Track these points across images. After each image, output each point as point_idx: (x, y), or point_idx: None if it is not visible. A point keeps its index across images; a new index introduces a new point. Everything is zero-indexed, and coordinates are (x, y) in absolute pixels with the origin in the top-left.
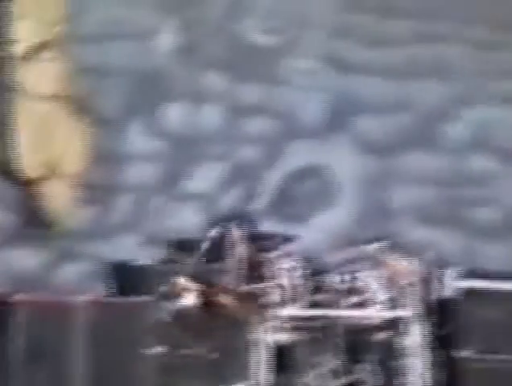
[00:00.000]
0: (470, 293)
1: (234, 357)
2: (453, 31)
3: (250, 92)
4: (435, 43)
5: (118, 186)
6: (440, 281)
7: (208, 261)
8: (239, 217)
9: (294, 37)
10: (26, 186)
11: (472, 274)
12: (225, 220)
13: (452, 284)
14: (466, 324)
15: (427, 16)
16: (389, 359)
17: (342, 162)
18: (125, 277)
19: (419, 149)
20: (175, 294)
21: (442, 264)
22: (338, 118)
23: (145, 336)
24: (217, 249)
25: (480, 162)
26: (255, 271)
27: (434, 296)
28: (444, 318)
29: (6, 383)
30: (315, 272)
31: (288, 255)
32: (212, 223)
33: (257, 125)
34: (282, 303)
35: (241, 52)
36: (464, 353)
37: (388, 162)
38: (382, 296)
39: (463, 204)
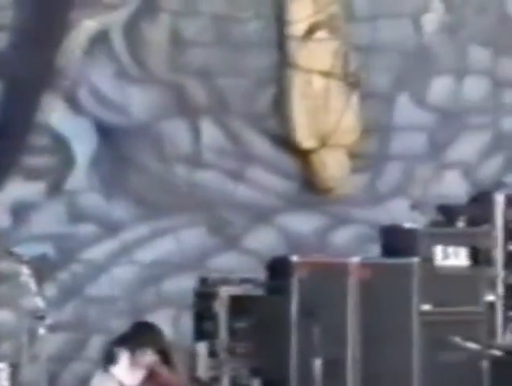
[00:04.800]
0: None
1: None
2: None
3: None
4: None
5: (388, 155)
6: None
7: (472, 225)
8: (502, 182)
9: None
10: (303, 156)
11: None
12: (488, 186)
13: None
14: None
15: None
16: None
17: None
18: (395, 240)
19: None
20: None
21: None
22: None
23: (412, 294)
24: (481, 213)
25: None
26: None
27: None
28: None
29: (286, 337)
30: None
31: None
32: (476, 189)
33: None
34: None
35: (503, 28)
36: None
37: None
38: None
39: None
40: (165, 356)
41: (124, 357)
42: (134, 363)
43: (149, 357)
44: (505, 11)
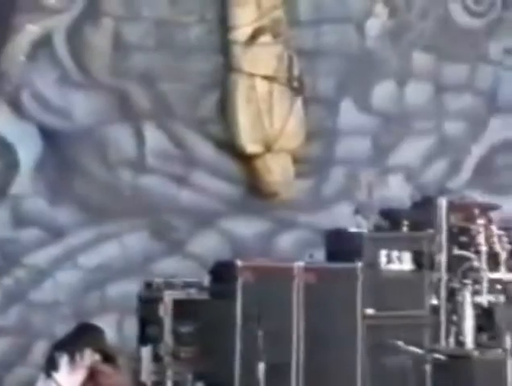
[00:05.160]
0: None
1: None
2: None
3: (455, 71)
4: None
5: (332, 159)
6: None
7: (415, 229)
8: (445, 187)
9: (498, 18)
10: (247, 160)
11: None
12: (431, 191)
13: None
14: None
15: None
16: None
17: None
18: (340, 244)
19: None
20: None
21: None
22: None
23: (356, 299)
24: (425, 218)
25: None
26: (461, 238)
27: None
28: None
29: (230, 341)
30: None
31: (492, 223)
32: (419, 194)
33: (461, 102)
34: (487, 268)
35: (447, 34)
36: None
37: None
38: None
39: None
40: (107, 355)
41: (64, 361)
42: (74, 366)
43: (89, 357)
44: (449, 16)
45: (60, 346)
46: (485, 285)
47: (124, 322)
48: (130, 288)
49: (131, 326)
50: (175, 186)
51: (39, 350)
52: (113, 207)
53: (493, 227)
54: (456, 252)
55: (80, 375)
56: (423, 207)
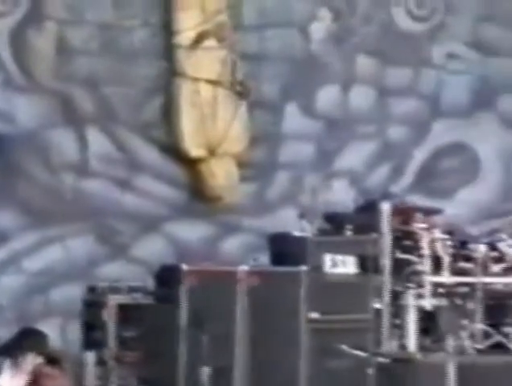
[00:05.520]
0: None
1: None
2: None
3: (398, 75)
4: None
5: (276, 163)
6: None
7: (359, 233)
8: (388, 191)
9: (440, 23)
10: (191, 165)
11: None
12: (374, 195)
13: None
14: None
15: None
16: None
17: (486, 139)
18: (284, 248)
19: None
20: None
21: None
22: (482, 98)
23: (300, 302)
24: (369, 222)
25: None
26: (404, 242)
27: None
28: None
29: (175, 345)
30: (460, 242)
31: (435, 226)
32: (363, 198)
33: (404, 106)
34: (430, 271)
35: (390, 38)
36: None
37: None
38: None
39: None
40: (50, 358)
41: (6, 365)
42: (16, 370)
43: (32, 361)
44: (392, 21)
45: (3, 350)
46: (428, 288)
47: (67, 327)
48: (74, 292)
49: (75, 331)
50: (118, 190)
51: None
52: (56, 211)
53: (436, 231)
54: (400, 255)
55: (23, 379)
56: (367, 211)
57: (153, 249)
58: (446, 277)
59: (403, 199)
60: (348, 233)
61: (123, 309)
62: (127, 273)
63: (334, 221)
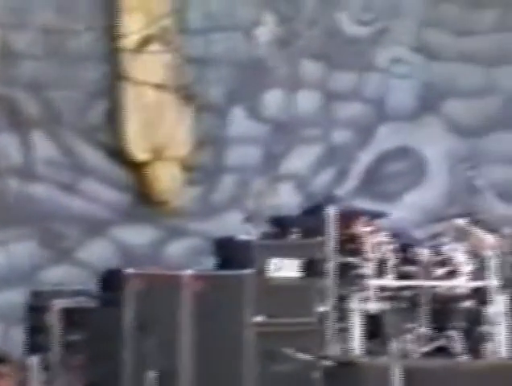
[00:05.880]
0: None
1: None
2: None
3: (343, 79)
4: None
5: (222, 167)
6: None
7: (305, 237)
8: (333, 195)
9: (385, 27)
10: (136, 168)
11: None
12: (320, 199)
13: None
14: None
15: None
16: (473, 326)
17: (431, 143)
18: (230, 252)
19: (504, 131)
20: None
21: None
22: (427, 102)
23: (245, 306)
24: (314, 225)
25: None
26: (349, 245)
27: None
28: None
29: (120, 349)
30: (405, 245)
31: (380, 230)
32: (309, 202)
33: (349, 110)
34: (374, 275)
35: (335, 42)
36: None
37: (474, 143)
38: (468, 267)
39: None
40: None
41: None
42: None
43: None
44: (337, 25)
45: None
46: (372, 292)
47: (10, 331)
48: (17, 297)
49: (17, 336)
50: (64, 194)
51: None
52: None
53: (381, 235)
54: (344, 259)
55: None
56: (312, 214)
57: (98, 253)
58: (390, 281)
59: (348, 202)
60: (294, 237)
61: (68, 313)
62: (72, 277)
63: (280, 225)
